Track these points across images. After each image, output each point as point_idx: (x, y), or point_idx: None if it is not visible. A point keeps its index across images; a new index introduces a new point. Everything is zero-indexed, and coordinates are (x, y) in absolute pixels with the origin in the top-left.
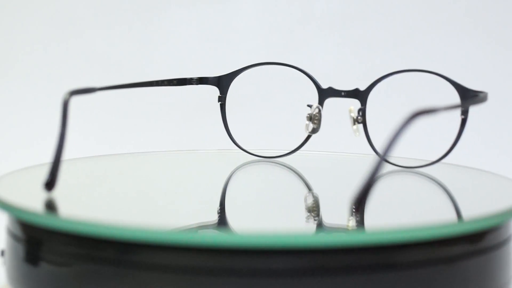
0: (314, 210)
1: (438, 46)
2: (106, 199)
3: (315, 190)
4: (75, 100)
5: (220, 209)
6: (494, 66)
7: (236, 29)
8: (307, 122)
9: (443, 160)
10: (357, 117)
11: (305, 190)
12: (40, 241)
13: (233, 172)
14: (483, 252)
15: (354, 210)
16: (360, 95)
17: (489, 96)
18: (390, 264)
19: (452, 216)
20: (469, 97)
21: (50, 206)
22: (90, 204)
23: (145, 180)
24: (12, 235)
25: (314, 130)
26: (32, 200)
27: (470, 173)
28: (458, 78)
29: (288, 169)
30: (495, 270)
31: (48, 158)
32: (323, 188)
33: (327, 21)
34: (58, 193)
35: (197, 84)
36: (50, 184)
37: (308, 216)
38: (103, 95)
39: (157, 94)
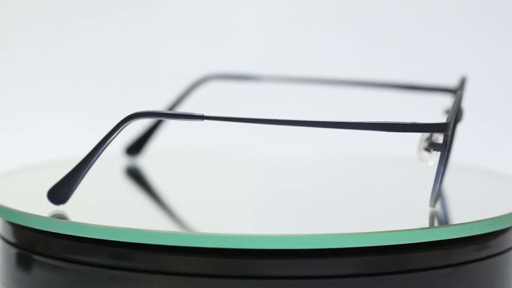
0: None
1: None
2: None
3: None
4: None
5: None
6: None
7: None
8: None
9: (454, 161)
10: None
11: None
12: (33, 244)
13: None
14: (491, 256)
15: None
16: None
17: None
18: (398, 267)
19: (460, 219)
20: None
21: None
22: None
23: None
24: (4, 239)
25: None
26: (24, 203)
27: (479, 175)
28: None
29: None
30: (503, 273)
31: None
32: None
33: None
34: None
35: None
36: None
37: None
38: None
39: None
